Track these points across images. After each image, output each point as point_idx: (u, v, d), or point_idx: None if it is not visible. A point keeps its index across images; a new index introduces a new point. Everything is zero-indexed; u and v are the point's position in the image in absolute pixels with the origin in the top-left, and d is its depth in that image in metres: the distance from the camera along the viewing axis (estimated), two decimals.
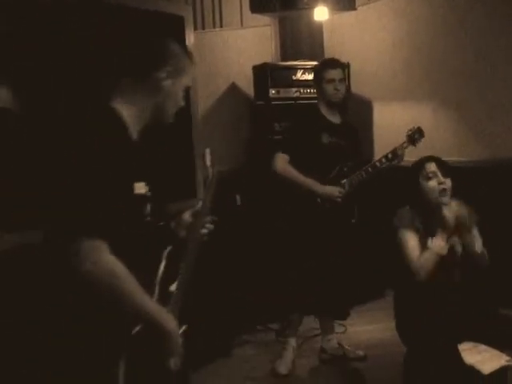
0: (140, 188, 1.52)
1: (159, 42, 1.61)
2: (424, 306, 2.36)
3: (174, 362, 1.52)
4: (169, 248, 1.68)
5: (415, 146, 3.20)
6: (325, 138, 3.21)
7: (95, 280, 1.34)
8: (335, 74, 3.21)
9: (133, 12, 3.77)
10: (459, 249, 2.47)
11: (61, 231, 1.38)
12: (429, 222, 2.44)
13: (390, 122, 4.39)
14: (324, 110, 3.28)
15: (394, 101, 4.34)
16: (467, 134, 3.80)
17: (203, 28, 4.43)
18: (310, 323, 3.82)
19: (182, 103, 1.69)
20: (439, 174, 2.46)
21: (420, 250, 2.41)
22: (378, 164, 3.20)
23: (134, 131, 1.56)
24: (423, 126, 4.09)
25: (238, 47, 4.42)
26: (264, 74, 3.96)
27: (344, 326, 3.82)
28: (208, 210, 1.81)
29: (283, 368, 3.19)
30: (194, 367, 1.60)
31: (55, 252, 1.41)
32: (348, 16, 4.31)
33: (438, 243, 2.37)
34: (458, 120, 3.87)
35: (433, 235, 2.39)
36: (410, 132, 3.23)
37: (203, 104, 4.23)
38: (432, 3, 3.94)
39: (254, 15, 4.14)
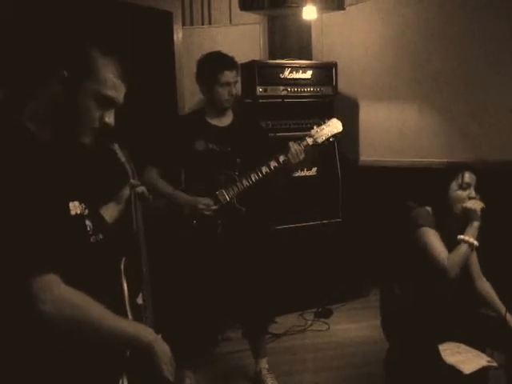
0: (75, 208, 1.38)
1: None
2: (408, 306, 2.38)
3: (168, 372, 1.44)
4: (123, 260, 1.58)
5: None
6: (199, 145, 2.78)
7: (59, 318, 1.23)
8: (231, 76, 2.77)
9: (120, 6, 3.76)
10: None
11: (6, 276, 1.21)
12: (445, 226, 2.40)
13: (376, 122, 4.42)
14: (208, 114, 2.86)
15: (380, 101, 4.37)
16: (451, 134, 3.83)
17: (191, 24, 4.42)
18: (293, 320, 3.86)
19: (108, 120, 1.38)
20: (473, 187, 2.41)
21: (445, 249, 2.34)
22: (264, 171, 2.72)
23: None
24: (408, 126, 4.15)
25: (226, 44, 4.38)
26: (252, 71, 3.94)
27: (327, 324, 3.85)
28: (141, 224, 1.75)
29: None
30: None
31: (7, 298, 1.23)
32: (336, 16, 4.33)
33: (472, 234, 2.32)
34: (442, 121, 3.91)
35: (448, 238, 2.34)
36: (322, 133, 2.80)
37: (190, 101, 4.23)
38: (419, 6, 3.97)
39: (243, 12, 4.14)
